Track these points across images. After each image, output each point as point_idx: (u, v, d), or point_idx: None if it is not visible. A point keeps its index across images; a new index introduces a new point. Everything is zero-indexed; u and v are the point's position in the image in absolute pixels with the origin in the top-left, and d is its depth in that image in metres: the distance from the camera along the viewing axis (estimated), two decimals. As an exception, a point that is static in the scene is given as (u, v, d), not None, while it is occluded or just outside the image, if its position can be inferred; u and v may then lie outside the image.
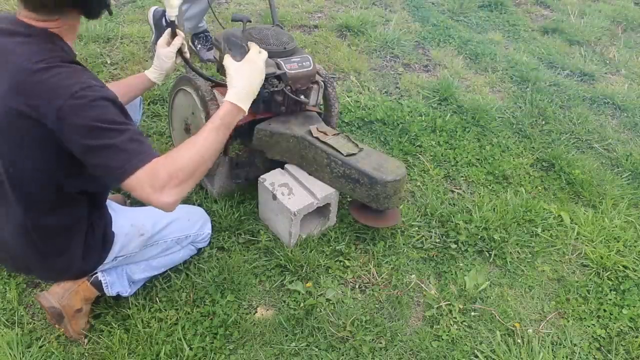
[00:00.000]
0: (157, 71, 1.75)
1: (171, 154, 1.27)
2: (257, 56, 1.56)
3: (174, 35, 1.70)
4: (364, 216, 2.03)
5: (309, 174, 2.06)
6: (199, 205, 2.17)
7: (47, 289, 1.63)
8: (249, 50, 1.59)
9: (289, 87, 1.98)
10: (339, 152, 1.93)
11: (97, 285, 1.64)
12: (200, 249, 1.95)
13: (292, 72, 1.97)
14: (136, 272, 1.72)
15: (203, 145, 1.31)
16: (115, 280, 1.66)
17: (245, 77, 1.49)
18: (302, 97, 2.03)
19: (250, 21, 2.21)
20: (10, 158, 1.27)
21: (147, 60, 3.14)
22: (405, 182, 1.96)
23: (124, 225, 1.57)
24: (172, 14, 1.51)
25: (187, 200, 2.19)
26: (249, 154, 2.20)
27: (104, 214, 1.54)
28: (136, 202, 2.14)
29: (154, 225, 1.66)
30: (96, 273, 1.64)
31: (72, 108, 1.15)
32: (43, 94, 1.15)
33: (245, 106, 1.45)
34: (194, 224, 1.84)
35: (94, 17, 1.32)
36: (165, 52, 1.72)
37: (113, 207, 1.63)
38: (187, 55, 1.77)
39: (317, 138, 1.97)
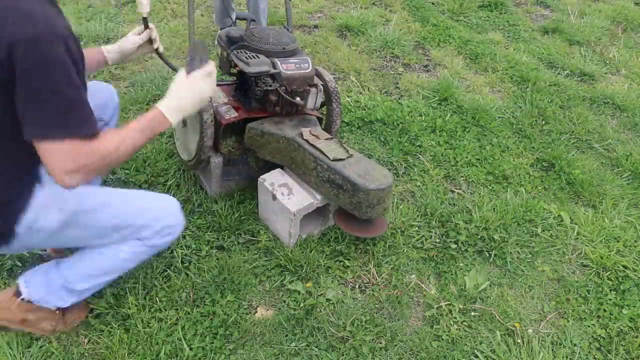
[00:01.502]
0: (114, 47, 1.74)
1: (97, 142, 1.24)
2: (203, 77, 1.47)
3: (145, 28, 1.74)
4: (348, 224, 1.98)
5: (298, 177, 2.04)
6: (198, 205, 2.17)
7: None
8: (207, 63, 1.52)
9: (283, 88, 1.97)
10: (326, 156, 1.89)
11: (25, 300, 1.54)
12: (160, 248, 1.60)
13: (288, 72, 1.96)
14: (76, 282, 1.54)
15: (125, 142, 1.30)
16: (45, 295, 1.54)
17: (182, 93, 1.44)
18: (297, 99, 2.01)
19: (254, 20, 2.21)
20: None
21: (147, 60, 3.14)
22: (390, 193, 1.90)
23: (43, 194, 1.36)
24: (143, 10, 1.59)
25: (185, 201, 2.19)
26: (242, 152, 2.20)
27: (29, 171, 1.35)
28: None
29: (81, 202, 1.41)
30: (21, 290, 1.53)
31: (35, 49, 1.11)
32: (10, 23, 1.11)
33: (173, 120, 1.40)
34: (143, 213, 1.50)
35: None
36: (132, 37, 1.74)
37: (42, 175, 1.38)
38: (160, 49, 1.80)
39: (306, 141, 1.95)
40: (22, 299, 1.55)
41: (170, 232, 1.55)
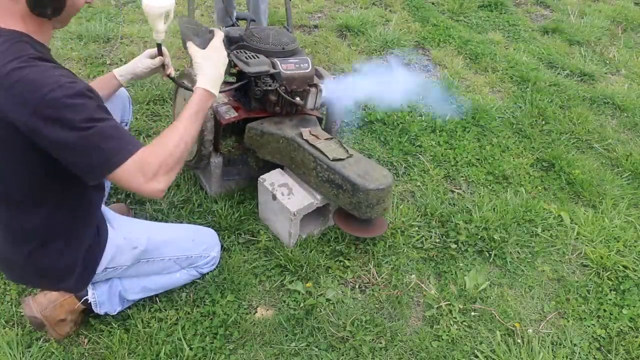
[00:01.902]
0: (126, 71, 1.75)
1: (157, 142, 1.28)
2: (221, 44, 1.56)
3: (159, 54, 1.74)
4: (347, 224, 1.97)
5: (298, 177, 2.04)
6: (198, 205, 2.17)
7: (34, 295, 1.63)
8: (212, 35, 1.59)
9: (283, 87, 1.97)
10: (325, 156, 1.89)
11: (86, 301, 1.63)
12: (205, 274, 1.86)
13: (288, 72, 1.96)
14: (131, 292, 1.68)
15: (185, 131, 1.33)
16: (105, 300, 1.64)
17: (213, 64, 1.50)
18: (297, 98, 2.01)
19: (254, 20, 2.21)
20: None
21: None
22: (390, 193, 1.90)
23: (116, 237, 1.53)
24: (159, 38, 1.60)
25: (185, 201, 2.19)
26: (242, 152, 2.20)
27: (92, 222, 1.49)
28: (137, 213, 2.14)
29: (149, 239, 1.60)
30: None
31: (46, 108, 1.12)
32: (15, 96, 1.13)
33: (216, 91, 1.47)
34: (197, 245, 1.77)
35: (35, 8, 1.22)
36: (144, 61, 1.75)
37: (107, 216, 1.58)
38: (172, 74, 1.80)
39: (306, 140, 1.95)
40: (86, 300, 1.63)
41: (214, 262, 1.86)
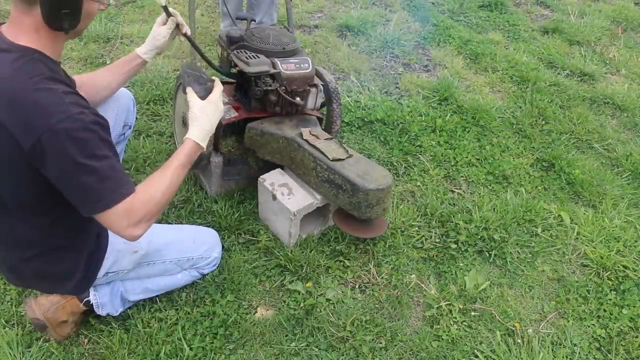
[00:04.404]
0: (148, 47, 1.76)
1: (146, 189, 1.32)
2: (219, 97, 1.62)
3: (168, 16, 1.73)
4: (347, 224, 1.97)
5: (298, 177, 2.04)
6: (198, 205, 2.17)
7: (35, 296, 1.63)
8: (212, 84, 1.64)
9: (283, 88, 1.97)
10: (325, 156, 1.89)
11: (87, 303, 1.63)
12: (205, 274, 1.86)
13: (288, 72, 1.96)
14: (132, 293, 1.69)
15: (172, 181, 1.38)
16: (107, 302, 1.64)
17: (208, 118, 1.56)
18: (297, 99, 2.01)
19: (254, 20, 2.21)
20: None
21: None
22: (390, 193, 1.90)
23: (116, 241, 1.52)
24: (161, 1, 1.62)
25: (185, 201, 2.19)
26: (242, 152, 2.20)
27: (95, 227, 1.49)
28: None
29: (150, 243, 1.60)
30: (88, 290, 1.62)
31: (51, 138, 1.14)
32: (24, 118, 1.14)
33: (205, 144, 1.52)
34: (198, 247, 1.77)
35: (52, 22, 1.21)
36: (160, 30, 1.74)
37: None
38: (188, 32, 1.79)
39: (306, 141, 1.95)
40: (88, 301, 1.63)
41: (215, 263, 1.86)
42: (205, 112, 1.56)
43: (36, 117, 1.14)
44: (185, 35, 1.79)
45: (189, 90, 1.60)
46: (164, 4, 1.64)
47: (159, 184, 1.35)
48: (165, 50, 1.84)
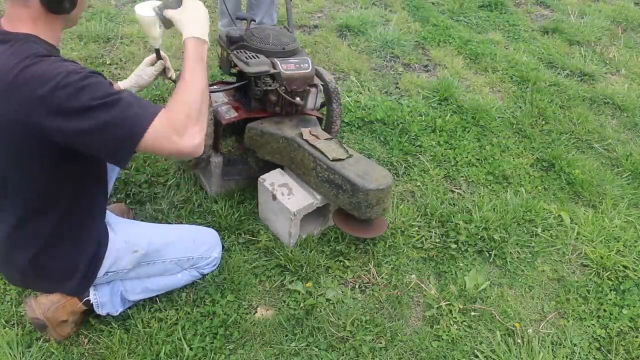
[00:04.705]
0: (131, 84, 1.78)
1: (172, 101, 1.25)
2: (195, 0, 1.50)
3: (158, 59, 1.75)
4: (347, 225, 1.97)
5: (298, 177, 2.04)
6: (198, 205, 2.17)
7: (35, 296, 1.63)
8: None
9: (283, 88, 1.97)
10: (325, 156, 1.89)
11: (87, 302, 1.63)
12: (205, 274, 1.86)
13: (288, 72, 1.96)
14: (132, 293, 1.69)
15: (193, 82, 1.30)
16: (107, 301, 1.64)
17: (192, 16, 1.43)
18: (297, 99, 2.01)
19: (254, 20, 2.21)
20: None
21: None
22: (390, 193, 1.90)
23: (117, 240, 1.53)
24: (155, 44, 1.61)
25: (185, 201, 2.19)
26: (242, 152, 2.20)
27: (97, 226, 1.50)
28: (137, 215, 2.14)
29: (150, 242, 1.60)
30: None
31: (61, 98, 1.12)
32: (29, 94, 1.13)
33: (205, 37, 1.40)
34: (198, 246, 1.76)
35: (53, 5, 1.22)
36: (147, 70, 1.77)
37: (108, 219, 1.59)
38: (173, 76, 1.81)
39: (306, 141, 1.95)
40: (88, 300, 1.62)
41: (215, 263, 1.86)
42: (187, 13, 1.43)
43: (40, 86, 1.12)
44: (170, 79, 1.80)
45: (165, 11, 1.50)
46: (157, 47, 1.65)
47: (182, 90, 1.28)
48: (146, 88, 1.89)
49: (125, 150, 1.19)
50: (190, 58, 1.34)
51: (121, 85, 1.77)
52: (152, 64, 1.77)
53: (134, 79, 1.77)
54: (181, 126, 1.20)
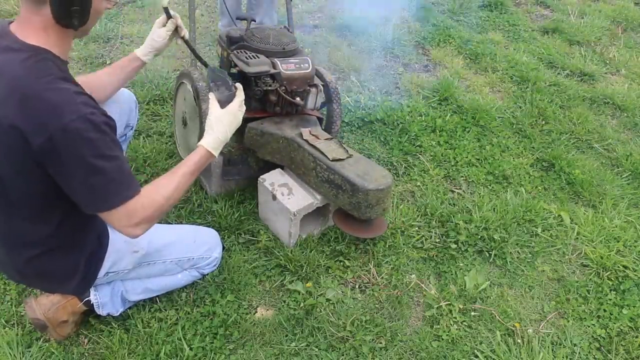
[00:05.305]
0: (147, 49, 1.76)
1: (150, 193, 1.33)
2: (239, 108, 1.60)
3: (168, 17, 1.73)
4: (347, 225, 1.97)
5: (298, 177, 2.04)
6: (198, 205, 2.17)
7: (36, 296, 1.63)
8: (235, 90, 1.61)
9: (283, 88, 1.97)
10: (325, 156, 1.89)
11: (88, 302, 1.63)
12: (206, 274, 1.86)
13: (288, 72, 1.96)
14: (132, 293, 1.69)
15: (178, 186, 1.39)
16: (107, 301, 1.64)
17: (224, 127, 1.54)
18: (297, 99, 2.01)
19: (254, 20, 2.20)
20: None
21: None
22: (390, 193, 1.90)
23: (117, 241, 1.53)
24: (163, 2, 1.62)
25: (185, 201, 2.19)
26: (242, 152, 2.20)
27: (97, 227, 1.50)
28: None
29: (150, 242, 1.60)
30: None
31: (64, 136, 1.14)
32: (36, 116, 1.14)
33: (217, 153, 1.52)
34: (199, 247, 1.77)
35: (61, 19, 1.21)
36: (159, 31, 1.75)
37: None
38: (186, 35, 1.79)
39: (306, 141, 1.95)
40: (88, 301, 1.63)
41: (216, 263, 1.85)
42: (222, 122, 1.54)
43: (48, 116, 1.14)
44: (182, 38, 1.79)
45: (211, 96, 1.59)
46: (165, 5, 1.64)
47: (165, 189, 1.36)
48: (163, 50, 1.85)
49: (89, 209, 1.29)
50: (191, 166, 1.45)
51: (137, 53, 1.75)
52: (164, 25, 1.74)
53: (149, 43, 1.75)
54: (136, 221, 1.30)
